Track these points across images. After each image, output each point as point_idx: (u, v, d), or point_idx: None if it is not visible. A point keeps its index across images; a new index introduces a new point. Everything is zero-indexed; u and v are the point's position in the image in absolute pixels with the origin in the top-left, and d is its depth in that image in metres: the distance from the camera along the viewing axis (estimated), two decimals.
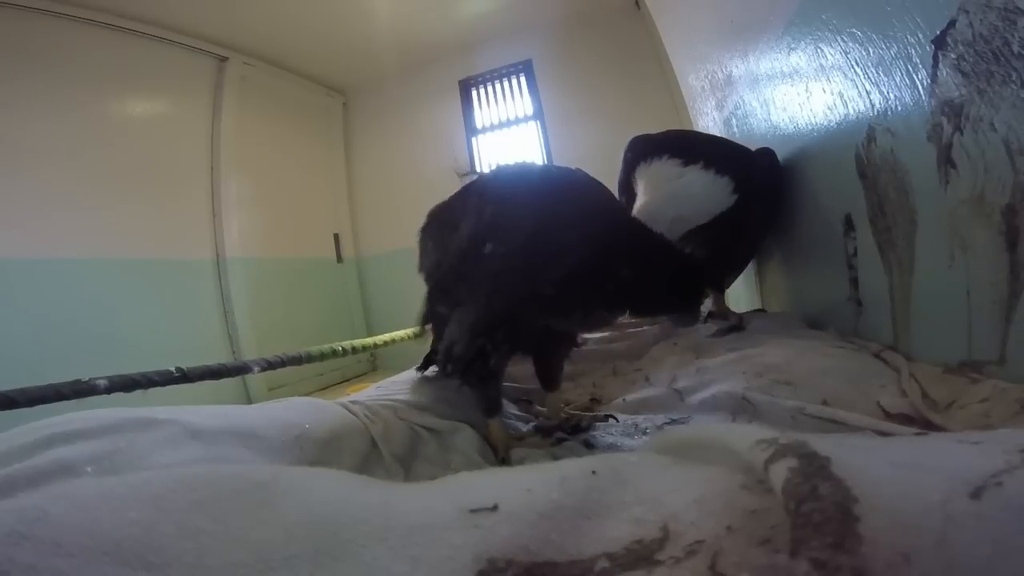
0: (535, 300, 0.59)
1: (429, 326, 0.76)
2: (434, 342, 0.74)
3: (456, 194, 0.69)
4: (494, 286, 0.58)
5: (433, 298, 0.69)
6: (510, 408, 0.78)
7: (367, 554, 0.24)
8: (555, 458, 0.56)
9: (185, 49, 2.79)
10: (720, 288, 1.04)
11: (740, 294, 1.77)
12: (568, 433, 0.69)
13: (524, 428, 0.73)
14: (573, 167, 0.65)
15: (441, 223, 0.69)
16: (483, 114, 3.56)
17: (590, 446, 0.67)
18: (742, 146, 0.94)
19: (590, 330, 0.76)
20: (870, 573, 0.18)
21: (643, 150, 0.92)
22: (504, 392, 0.83)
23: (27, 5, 2.12)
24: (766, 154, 0.96)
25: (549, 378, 0.75)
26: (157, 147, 2.61)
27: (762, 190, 0.90)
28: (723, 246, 0.89)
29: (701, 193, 0.83)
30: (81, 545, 0.23)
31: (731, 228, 0.86)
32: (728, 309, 1.05)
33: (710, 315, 1.03)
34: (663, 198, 0.83)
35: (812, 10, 0.81)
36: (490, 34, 3.29)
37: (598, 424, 0.71)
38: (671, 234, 0.74)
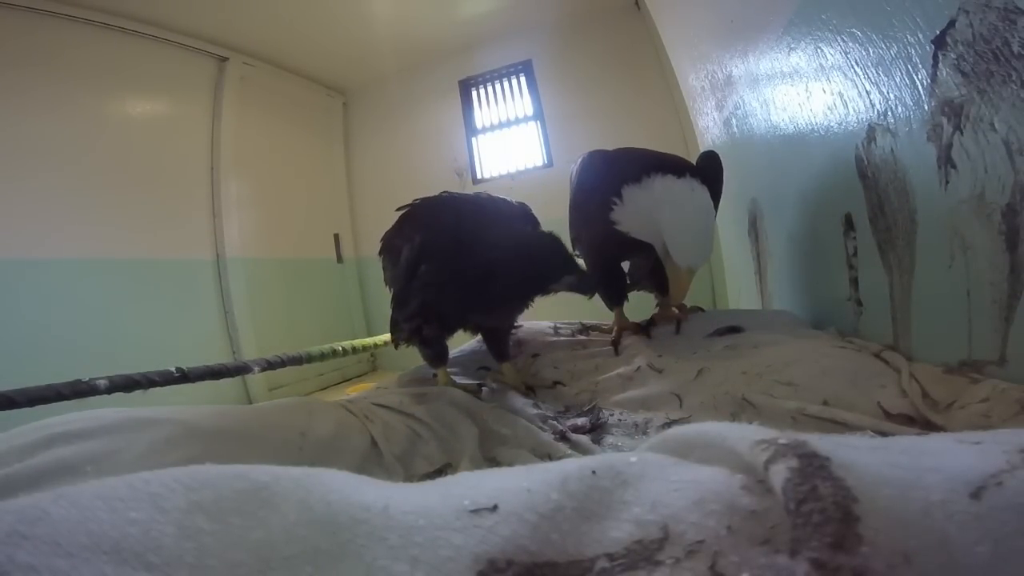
0: (459, 301, 0.80)
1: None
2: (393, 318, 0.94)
3: (397, 222, 0.88)
4: (426, 293, 0.80)
5: (396, 304, 0.90)
6: (527, 408, 0.79)
7: (367, 554, 0.24)
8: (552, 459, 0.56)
9: (185, 49, 2.78)
10: (666, 292, 1.06)
11: (741, 293, 1.77)
12: (583, 431, 0.71)
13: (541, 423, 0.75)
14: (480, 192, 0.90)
15: (389, 249, 0.89)
16: (483, 114, 3.55)
17: (598, 442, 0.68)
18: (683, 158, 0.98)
19: (505, 321, 0.96)
20: (870, 573, 0.18)
21: (629, 157, 0.94)
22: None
23: (27, 5, 2.12)
24: (712, 160, 0.98)
25: (498, 352, 0.94)
26: (157, 147, 2.61)
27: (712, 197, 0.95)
28: None
29: (708, 200, 0.87)
30: (81, 545, 0.23)
31: None
32: (672, 311, 1.05)
33: (652, 320, 1.04)
34: (691, 215, 0.84)
35: (812, 10, 0.81)
36: (490, 34, 3.29)
37: (603, 420, 0.72)
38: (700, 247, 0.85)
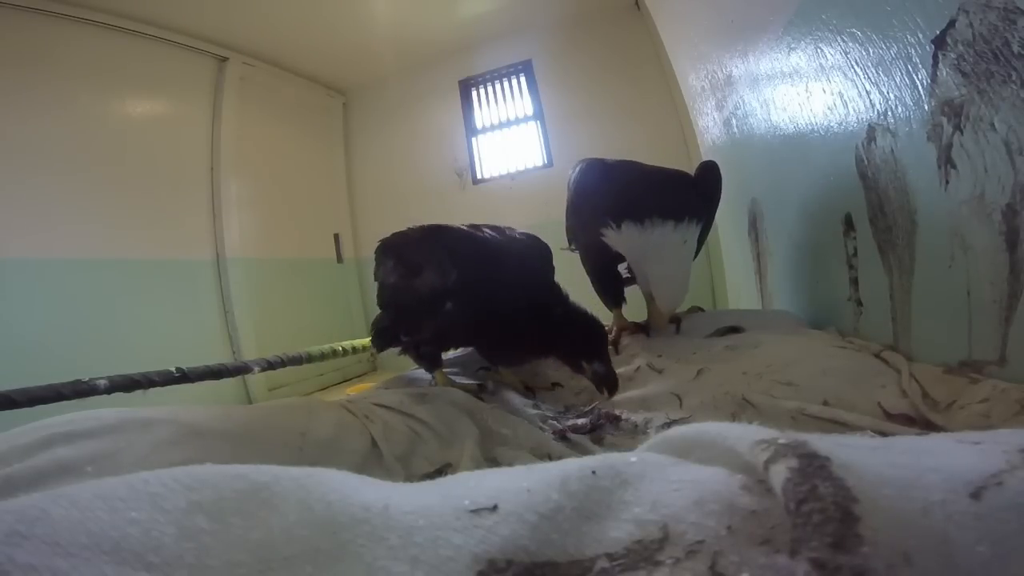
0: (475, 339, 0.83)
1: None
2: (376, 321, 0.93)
3: (420, 236, 0.84)
4: (451, 329, 0.79)
5: (392, 318, 0.88)
6: (527, 408, 0.80)
7: (367, 554, 0.24)
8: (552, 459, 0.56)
9: (185, 49, 2.78)
10: None
11: (741, 293, 1.77)
12: (583, 431, 0.71)
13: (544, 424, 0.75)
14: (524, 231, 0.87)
15: (400, 258, 0.85)
16: (483, 114, 3.55)
17: (598, 442, 0.68)
18: (681, 172, 0.98)
19: (518, 364, 0.94)
20: (870, 573, 0.18)
21: (627, 208, 0.90)
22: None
23: (27, 5, 2.12)
24: (710, 171, 0.99)
25: (494, 359, 0.92)
26: (157, 147, 2.60)
27: (709, 207, 0.97)
28: None
29: (694, 246, 0.90)
30: (81, 545, 0.23)
31: None
32: (673, 312, 1.05)
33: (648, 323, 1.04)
34: (677, 268, 0.88)
35: (812, 10, 0.81)
36: (490, 34, 3.29)
37: (602, 421, 0.72)
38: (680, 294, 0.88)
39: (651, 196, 0.90)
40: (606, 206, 0.90)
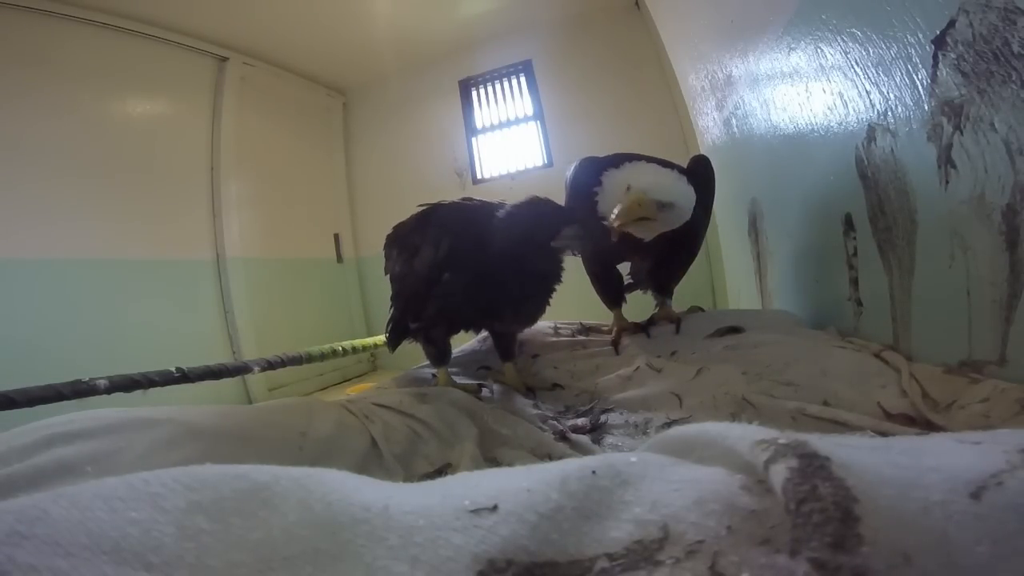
0: (476, 308, 0.81)
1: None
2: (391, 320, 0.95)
3: (416, 221, 0.87)
4: (448, 301, 0.80)
5: (404, 306, 0.90)
6: (527, 408, 0.79)
7: (367, 554, 0.24)
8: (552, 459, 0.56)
9: (185, 49, 2.78)
10: (668, 293, 1.07)
11: (741, 293, 1.77)
12: (583, 431, 0.72)
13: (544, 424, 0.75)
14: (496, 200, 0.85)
15: (403, 245, 0.88)
16: (483, 114, 3.54)
17: (598, 442, 0.68)
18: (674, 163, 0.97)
19: (519, 327, 0.96)
20: (870, 573, 0.18)
21: (619, 158, 0.92)
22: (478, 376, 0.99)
23: (27, 5, 2.12)
24: (702, 163, 0.98)
25: (504, 350, 0.94)
26: (157, 147, 2.60)
27: (704, 200, 0.94)
28: (672, 253, 0.91)
29: (688, 194, 0.85)
30: (81, 545, 0.23)
31: (682, 236, 0.88)
32: (672, 312, 1.06)
33: (652, 320, 1.04)
34: (672, 177, 0.84)
35: (812, 10, 0.81)
36: (490, 34, 3.28)
37: (603, 420, 0.72)
38: (667, 222, 0.82)
39: (633, 156, 0.90)
40: (596, 183, 0.89)
